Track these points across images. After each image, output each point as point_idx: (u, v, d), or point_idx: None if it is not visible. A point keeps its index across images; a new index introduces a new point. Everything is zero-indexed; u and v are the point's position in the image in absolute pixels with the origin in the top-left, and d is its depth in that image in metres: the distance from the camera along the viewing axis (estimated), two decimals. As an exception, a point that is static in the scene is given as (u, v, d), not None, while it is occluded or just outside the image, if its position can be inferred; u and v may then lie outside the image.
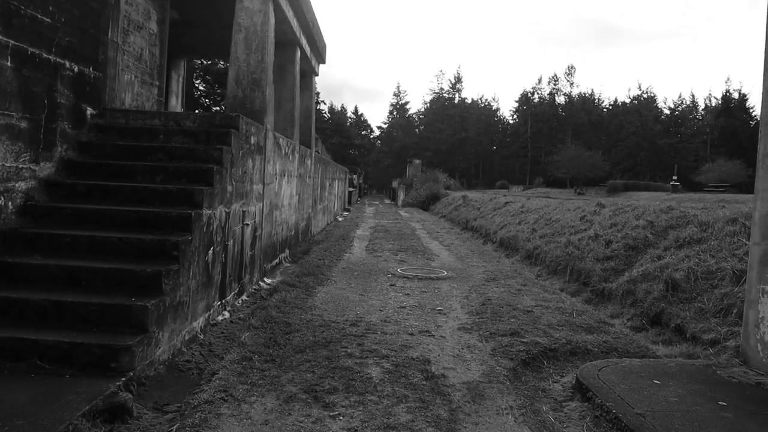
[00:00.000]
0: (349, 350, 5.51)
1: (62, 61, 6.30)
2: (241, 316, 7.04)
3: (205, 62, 42.64)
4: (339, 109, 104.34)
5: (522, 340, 6.13)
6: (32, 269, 5.10)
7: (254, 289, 8.72)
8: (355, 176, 52.39)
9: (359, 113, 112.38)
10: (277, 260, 11.17)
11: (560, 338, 6.20)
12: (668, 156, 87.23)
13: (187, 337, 5.67)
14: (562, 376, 5.37)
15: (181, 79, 16.05)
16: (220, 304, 6.92)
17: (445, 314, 7.39)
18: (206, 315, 6.35)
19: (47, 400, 3.83)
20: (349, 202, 40.52)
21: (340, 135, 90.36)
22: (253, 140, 8.23)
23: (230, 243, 7.22)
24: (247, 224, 8.19)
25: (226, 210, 6.94)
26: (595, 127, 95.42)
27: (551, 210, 16.51)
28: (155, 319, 4.82)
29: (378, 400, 4.38)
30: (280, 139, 10.82)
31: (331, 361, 5.20)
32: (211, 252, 6.37)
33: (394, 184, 61.77)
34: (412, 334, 6.28)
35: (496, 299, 8.21)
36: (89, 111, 7.03)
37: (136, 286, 5.05)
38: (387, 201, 59.63)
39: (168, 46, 13.63)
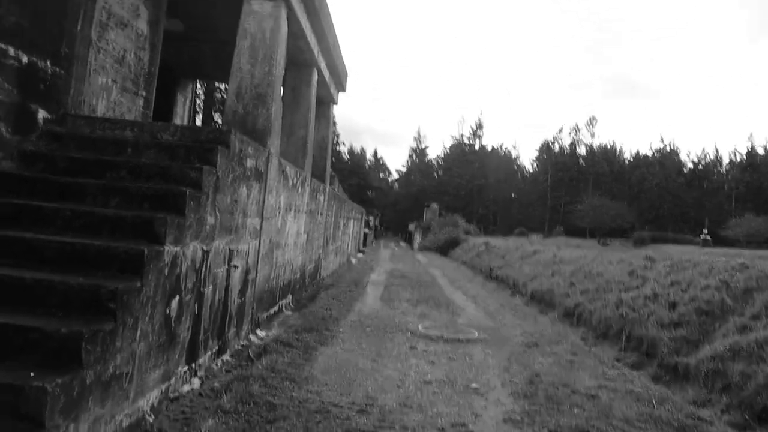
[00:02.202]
0: (353, 460, 3.78)
1: (3, 46, 4.87)
2: (216, 385, 5.36)
3: (224, 96, 42.06)
4: (358, 151, 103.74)
5: (596, 446, 4.38)
6: None
7: (242, 346, 7.05)
8: (371, 217, 51.00)
9: (378, 156, 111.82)
10: (276, 308, 9.50)
11: (648, 445, 4.44)
12: (692, 209, 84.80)
13: (125, 423, 4.01)
14: None
15: (188, 102, 14.76)
16: (188, 369, 5.26)
17: (482, 395, 5.63)
18: (163, 387, 4.69)
19: None
20: (364, 244, 38.99)
21: (359, 176, 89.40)
22: (249, 163, 6.71)
23: (208, 290, 5.60)
24: (236, 266, 6.58)
25: (204, 247, 5.34)
26: (617, 178, 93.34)
27: (589, 261, 14.75)
28: (61, 408, 3.17)
29: None
30: (287, 168, 9.30)
31: (325, 479, 3.49)
32: (175, 302, 4.75)
33: (411, 227, 60.23)
34: (442, 430, 4.54)
35: (546, 375, 6.43)
36: (42, 114, 5.56)
37: (46, 353, 3.42)
38: (402, 244, 57.83)
39: (172, 64, 12.34)
